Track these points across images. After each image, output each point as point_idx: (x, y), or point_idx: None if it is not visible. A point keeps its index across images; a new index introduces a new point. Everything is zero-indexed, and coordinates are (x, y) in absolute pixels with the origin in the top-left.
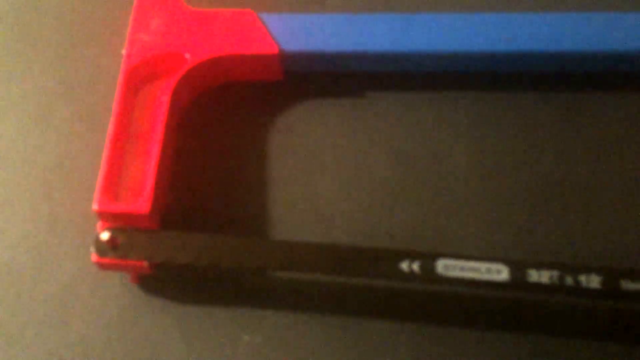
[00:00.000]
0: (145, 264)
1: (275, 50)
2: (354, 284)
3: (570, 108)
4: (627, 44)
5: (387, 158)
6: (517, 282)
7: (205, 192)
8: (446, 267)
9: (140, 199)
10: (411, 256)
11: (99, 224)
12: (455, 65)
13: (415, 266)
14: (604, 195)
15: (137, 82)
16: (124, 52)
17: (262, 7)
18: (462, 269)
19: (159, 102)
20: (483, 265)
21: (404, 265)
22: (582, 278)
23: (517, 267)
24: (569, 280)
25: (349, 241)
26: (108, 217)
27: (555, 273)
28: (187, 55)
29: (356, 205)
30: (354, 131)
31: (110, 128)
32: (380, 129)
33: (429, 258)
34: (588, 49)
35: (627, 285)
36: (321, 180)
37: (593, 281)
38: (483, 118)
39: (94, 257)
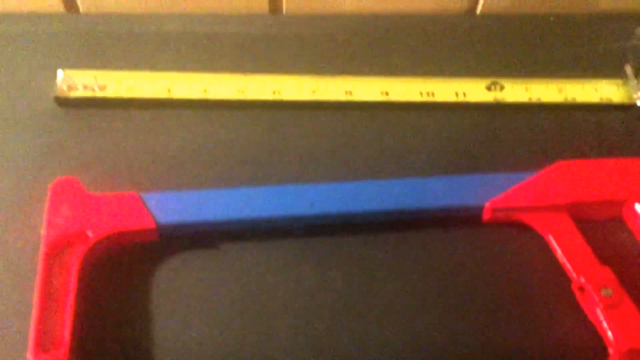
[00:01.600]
0: None
1: (152, 225)
2: None
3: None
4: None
5: (236, 294)
6: None
7: (108, 334)
8: None
9: (60, 348)
10: None
11: None
12: (290, 224)
13: None
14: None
15: (53, 255)
16: (42, 232)
17: (143, 183)
18: None
19: (71, 269)
20: None
21: None
22: None
23: None
24: None
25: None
26: None
27: None
28: (90, 233)
29: (214, 329)
30: (211, 274)
31: (36, 291)
32: (233, 272)
33: None
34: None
35: None
36: (188, 314)
37: None
38: (304, 261)
39: None
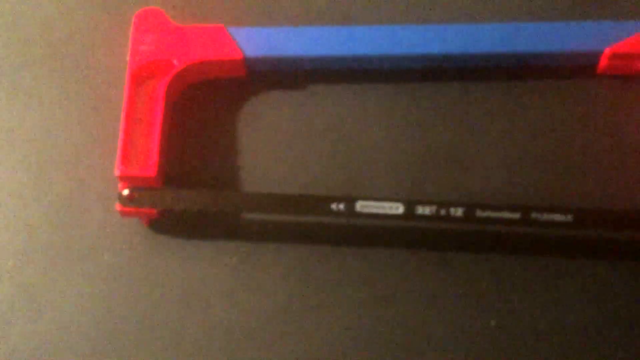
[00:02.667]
0: (153, 211)
1: (240, 56)
2: (302, 221)
3: (468, 96)
4: (526, 46)
5: (326, 136)
6: (409, 214)
7: (193, 161)
8: (362, 206)
9: (148, 166)
10: (338, 199)
11: (120, 184)
12: (386, 64)
13: (342, 206)
14: (473, 156)
15: (139, 80)
16: (127, 58)
17: (230, 22)
18: (373, 207)
19: (157, 95)
20: (387, 204)
21: (334, 206)
22: (452, 210)
23: (409, 204)
24: (442, 211)
25: (298, 191)
26: (126, 180)
27: (434, 207)
28: (175, 61)
29: (304, 170)
30: (300, 115)
31: (122, 115)
32: (321, 115)
33: (350, 201)
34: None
35: (481, 213)
36: (277, 151)
37: (458, 211)
38: (398, 105)
39: (118, 207)
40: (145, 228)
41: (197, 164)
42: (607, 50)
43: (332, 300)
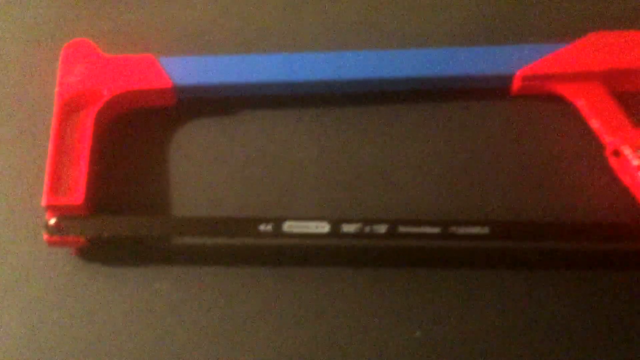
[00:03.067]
0: (81, 239)
1: (169, 85)
2: (232, 243)
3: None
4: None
5: (255, 160)
6: (335, 232)
7: (125, 188)
8: (290, 226)
9: (75, 195)
10: (265, 221)
11: (47, 214)
12: (311, 89)
13: (269, 227)
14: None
15: (67, 111)
16: (56, 90)
17: (160, 52)
18: (300, 227)
19: (85, 125)
20: (313, 223)
21: (262, 227)
22: (375, 227)
23: (335, 223)
24: (367, 229)
25: (228, 214)
26: (53, 209)
27: (358, 225)
28: (104, 91)
29: (234, 194)
30: (230, 140)
31: (50, 144)
32: (250, 140)
33: (278, 221)
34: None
35: (403, 229)
36: (208, 176)
37: (381, 228)
38: (324, 128)
39: (45, 236)
40: (74, 257)
41: (129, 192)
42: (519, 73)
43: (263, 321)
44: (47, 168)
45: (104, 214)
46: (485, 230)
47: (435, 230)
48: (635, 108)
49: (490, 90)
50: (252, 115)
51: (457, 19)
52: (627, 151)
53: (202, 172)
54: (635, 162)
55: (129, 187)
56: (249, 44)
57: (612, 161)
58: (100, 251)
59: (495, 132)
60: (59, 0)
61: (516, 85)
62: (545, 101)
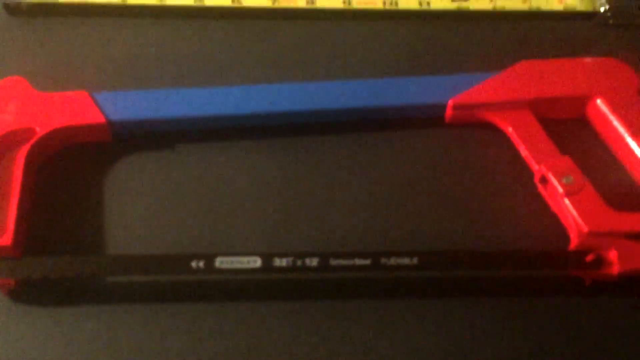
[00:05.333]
0: (11, 280)
1: (103, 120)
2: (165, 280)
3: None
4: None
5: (188, 192)
6: (267, 267)
7: (58, 227)
8: (222, 262)
9: (4, 235)
10: (197, 257)
11: None
12: (246, 121)
13: (201, 263)
14: (330, 206)
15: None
16: None
17: (94, 88)
18: (231, 262)
19: (17, 163)
20: (245, 258)
21: (194, 264)
22: (307, 260)
23: (266, 257)
24: (299, 262)
25: (161, 252)
26: None
27: (290, 259)
28: (37, 128)
29: (169, 229)
30: (165, 174)
31: None
32: (186, 174)
33: (210, 257)
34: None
35: (334, 262)
36: (144, 212)
37: (313, 261)
38: (259, 161)
39: None
40: (5, 298)
41: (62, 230)
42: (450, 102)
43: (197, 357)
44: None
45: (33, 255)
46: (414, 260)
47: (366, 262)
48: (561, 135)
49: (426, 119)
50: (186, 149)
51: (390, 50)
52: (552, 178)
53: (137, 208)
54: (560, 189)
55: (62, 225)
56: (181, 78)
57: (541, 188)
58: (32, 291)
59: (429, 160)
60: None
61: (449, 113)
62: (478, 128)
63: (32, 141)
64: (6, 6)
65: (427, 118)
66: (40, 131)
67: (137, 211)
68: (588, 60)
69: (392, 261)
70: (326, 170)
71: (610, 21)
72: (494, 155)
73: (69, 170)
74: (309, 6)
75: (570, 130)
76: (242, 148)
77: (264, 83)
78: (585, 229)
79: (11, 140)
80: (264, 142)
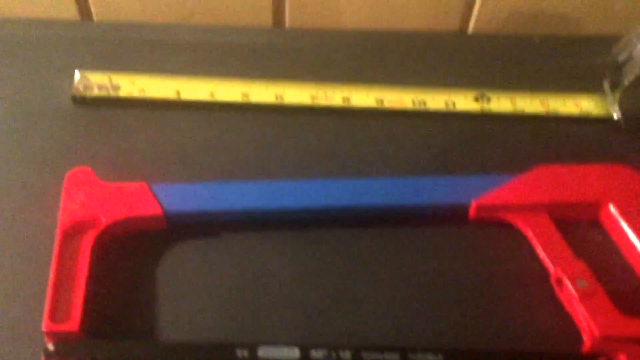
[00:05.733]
0: None
1: (160, 212)
2: None
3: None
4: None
5: (233, 279)
6: (304, 358)
7: (117, 311)
8: (264, 352)
9: (72, 320)
10: (242, 346)
11: (46, 338)
12: (288, 216)
13: (245, 352)
14: (362, 298)
15: (68, 237)
16: (58, 216)
17: (151, 176)
18: (272, 352)
19: (84, 251)
20: (285, 349)
21: (239, 353)
22: (341, 353)
23: (304, 348)
24: (333, 354)
25: (206, 338)
26: (51, 334)
27: (325, 351)
28: (102, 219)
29: (217, 316)
30: (213, 263)
31: (51, 271)
32: (229, 261)
33: (253, 347)
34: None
35: (366, 356)
36: (194, 300)
37: (346, 354)
38: (301, 251)
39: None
40: None
41: (121, 315)
42: (473, 204)
43: None
44: (48, 294)
45: (97, 339)
46: (439, 357)
47: (395, 356)
48: (576, 236)
49: (450, 217)
50: (233, 238)
51: (418, 146)
52: (567, 282)
53: (186, 295)
54: (574, 293)
55: (119, 310)
56: (230, 166)
57: (557, 289)
58: None
59: (453, 258)
60: (62, 129)
61: (472, 213)
62: (500, 227)
63: (98, 231)
64: (73, 98)
65: (452, 216)
66: (105, 221)
67: (184, 297)
68: (600, 167)
69: (419, 357)
70: (357, 263)
71: (623, 127)
72: (514, 253)
73: (128, 257)
74: (345, 104)
75: (585, 232)
76: (284, 239)
77: (302, 172)
78: (597, 334)
79: (78, 230)
80: (302, 234)
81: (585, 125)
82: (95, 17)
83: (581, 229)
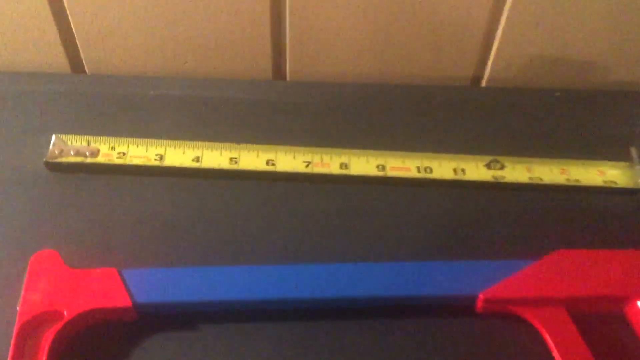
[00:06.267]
0: None
1: (129, 304)
2: None
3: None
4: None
5: None
6: None
7: None
8: None
9: None
10: None
11: None
12: (272, 307)
13: None
14: None
15: (26, 331)
16: (18, 308)
17: (131, 259)
18: None
19: (42, 346)
20: None
21: None
22: None
23: None
24: None
25: None
26: None
27: None
28: (65, 312)
29: None
30: (186, 354)
31: None
32: (207, 353)
33: None
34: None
35: None
36: None
37: None
38: (281, 345)
39: None
40: None
41: None
42: (481, 296)
43: None
44: None
45: None
46: None
47: None
48: (597, 331)
49: (455, 307)
50: (211, 331)
51: (422, 216)
52: None
53: None
54: None
55: None
56: (215, 236)
57: None
58: None
59: (458, 350)
60: (31, 200)
61: (479, 305)
62: (509, 320)
63: (59, 325)
64: (46, 163)
65: (457, 307)
66: (68, 315)
67: None
68: (628, 253)
69: None
70: (352, 357)
71: None
72: (526, 349)
73: (91, 351)
74: (343, 171)
75: (609, 329)
76: (268, 333)
77: (293, 252)
78: None
79: (38, 323)
80: (289, 327)
81: (611, 197)
82: (87, 70)
83: (604, 325)
